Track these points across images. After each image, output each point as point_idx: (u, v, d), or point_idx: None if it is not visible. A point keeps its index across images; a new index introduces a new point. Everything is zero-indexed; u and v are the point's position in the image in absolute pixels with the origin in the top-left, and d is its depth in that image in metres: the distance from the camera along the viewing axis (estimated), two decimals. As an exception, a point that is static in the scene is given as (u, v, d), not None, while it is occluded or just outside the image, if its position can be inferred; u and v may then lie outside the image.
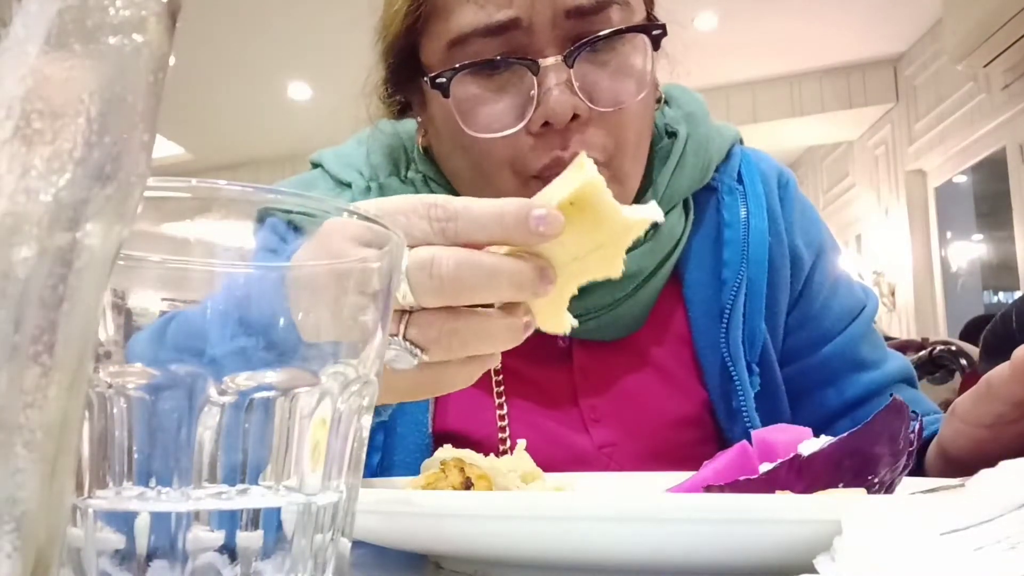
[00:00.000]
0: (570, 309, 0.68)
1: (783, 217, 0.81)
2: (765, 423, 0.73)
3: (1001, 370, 0.57)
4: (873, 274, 4.95)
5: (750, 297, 0.76)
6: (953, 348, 2.15)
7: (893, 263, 4.83)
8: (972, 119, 4.10)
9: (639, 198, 0.74)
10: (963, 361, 2.10)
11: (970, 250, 4.72)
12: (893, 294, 4.82)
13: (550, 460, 0.71)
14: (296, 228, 0.28)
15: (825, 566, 0.29)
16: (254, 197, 0.26)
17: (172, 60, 0.19)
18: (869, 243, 5.14)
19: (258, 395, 0.25)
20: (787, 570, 0.30)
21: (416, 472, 0.64)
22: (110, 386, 0.24)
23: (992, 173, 4.19)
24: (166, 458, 0.24)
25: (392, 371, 0.42)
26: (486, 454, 0.69)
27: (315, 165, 0.83)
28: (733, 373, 0.74)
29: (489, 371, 0.73)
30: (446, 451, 0.50)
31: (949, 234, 4.68)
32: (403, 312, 0.41)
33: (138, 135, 0.18)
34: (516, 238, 0.40)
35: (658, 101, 0.79)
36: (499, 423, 0.74)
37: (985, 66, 3.75)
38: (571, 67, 0.65)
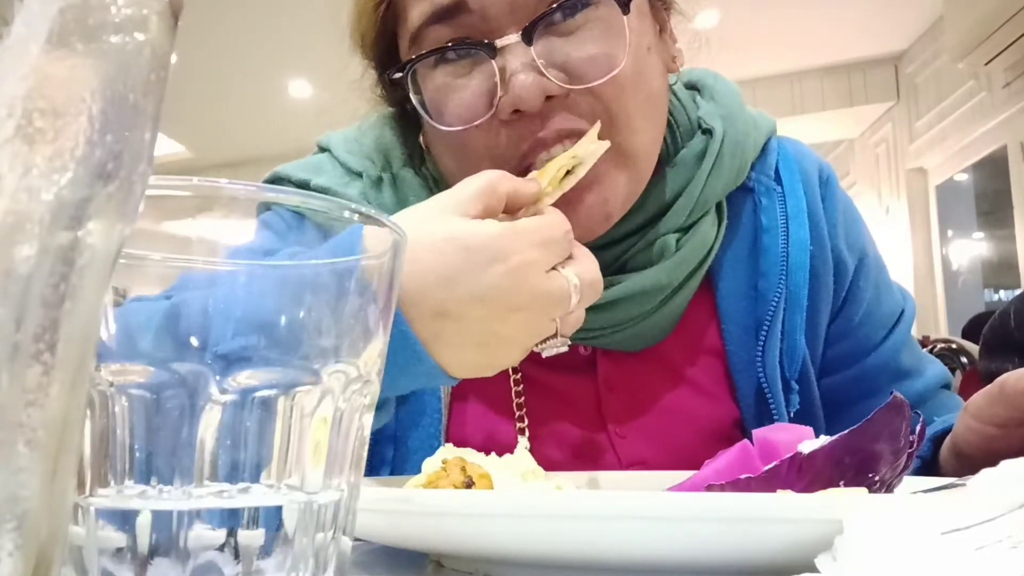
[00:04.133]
0: (596, 322, 0.69)
1: (826, 219, 0.76)
2: None
3: (1018, 377, 0.56)
4: (874, 272, 4.94)
5: (790, 312, 0.72)
6: (954, 346, 2.15)
7: (894, 261, 4.83)
8: (973, 117, 4.10)
9: (671, 202, 0.70)
10: (963, 359, 2.10)
11: (971, 248, 4.72)
12: (894, 292, 4.81)
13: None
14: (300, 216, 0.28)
15: (826, 565, 0.29)
16: (255, 195, 0.26)
17: (173, 58, 0.19)
18: (870, 241, 5.14)
19: (259, 394, 0.25)
20: (788, 569, 0.30)
21: None
22: (112, 384, 0.24)
23: (993, 171, 4.19)
24: (167, 456, 0.24)
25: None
26: None
27: (322, 149, 0.79)
28: (769, 395, 0.70)
29: (508, 380, 0.70)
30: (447, 450, 0.50)
31: (950, 232, 4.68)
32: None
33: (140, 133, 0.18)
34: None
35: (684, 90, 0.75)
36: (519, 435, 0.70)
37: (986, 64, 3.75)
38: (531, 44, 0.59)
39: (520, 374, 0.71)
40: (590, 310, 0.65)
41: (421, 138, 0.74)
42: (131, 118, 0.17)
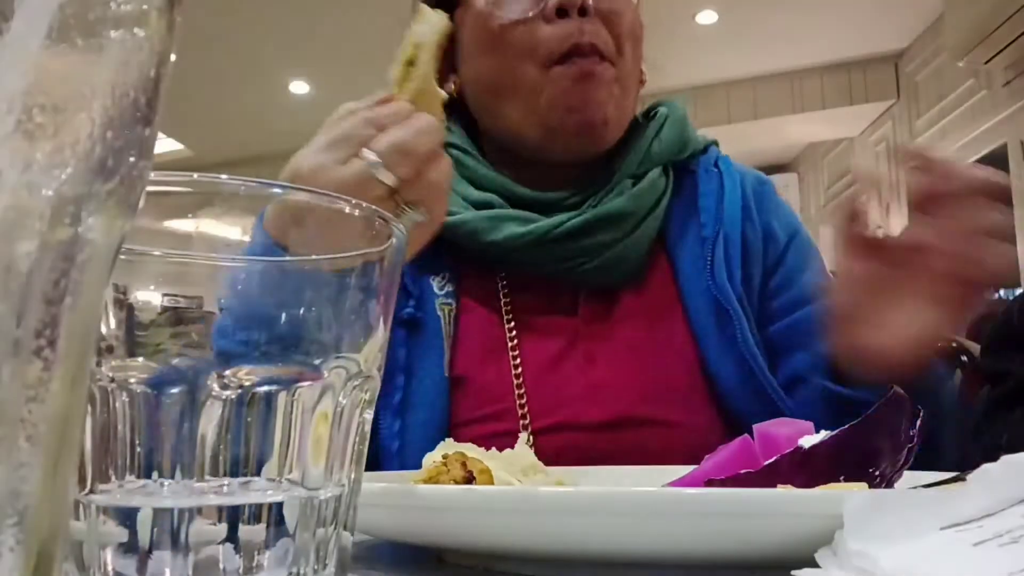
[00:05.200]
0: (574, 250, 0.80)
1: (759, 205, 0.87)
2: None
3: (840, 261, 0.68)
4: (874, 270, 4.94)
5: (727, 245, 0.83)
6: (953, 344, 2.15)
7: (894, 259, 4.83)
8: (973, 116, 4.10)
9: (622, 159, 0.83)
10: (964, 358, 2.10)
11: (971, 246, 4.71)
12: (894, 290, 4.81)
13: (542, 399, 0.77)
14: None
15: (827, 560, 0.29)
16: (255, 192, 0.26)
17: (173, 56, 0.19)
18: (870, 239, 5.13)
19: (260, 389, 0.25)
20: (789, 564, 0.30)
21: (433, 411, 0.67)
22: (112, 380, 0.24)
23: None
24: (169, 452, 0.24)
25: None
26: (494, 396, 0.76)
27: None
28: (725, 304, 0.79)
29: (503, 323, 0.82)
30: (448, 445, 0.50)
31: (950, 230, 4.67)
32: (391, 195, 0.57)
33: (140, 129, 0.18)
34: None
35: (642, 83, 0.88)
36: (513, 370, 0.78)
37: (986, 63, 3.74)
38: None
39: (514, 318, 0.81)
40: (568, 239, 0.78)
41: (452, 86, 0.84)
42: (131, 114, 0.17)
